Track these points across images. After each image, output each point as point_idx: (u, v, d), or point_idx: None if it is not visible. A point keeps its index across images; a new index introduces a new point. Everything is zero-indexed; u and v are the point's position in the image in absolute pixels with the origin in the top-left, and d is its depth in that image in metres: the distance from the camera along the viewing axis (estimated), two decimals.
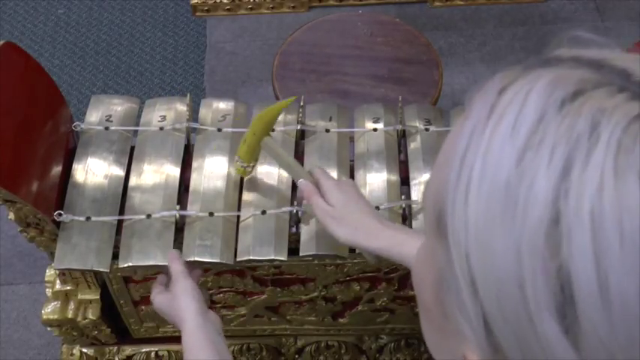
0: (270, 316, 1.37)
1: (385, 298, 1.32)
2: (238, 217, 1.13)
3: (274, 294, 1.30)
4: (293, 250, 1.11)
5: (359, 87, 1.65)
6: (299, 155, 1.20)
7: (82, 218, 1.11)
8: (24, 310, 1.88)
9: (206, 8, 2.44)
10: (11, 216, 1.13)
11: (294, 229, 1.14)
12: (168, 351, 1.46)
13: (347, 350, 1.46)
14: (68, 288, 1.28)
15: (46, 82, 1.19)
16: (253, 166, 1.13)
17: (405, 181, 1.19)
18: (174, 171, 1.17)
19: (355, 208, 0.96)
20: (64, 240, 1.10)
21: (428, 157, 1.19)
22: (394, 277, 1.27)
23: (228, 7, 2.44)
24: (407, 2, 2.46)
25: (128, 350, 1.46)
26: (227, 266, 1.11)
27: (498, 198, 0.37)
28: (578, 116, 0.36)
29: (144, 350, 1.46)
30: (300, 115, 1.24)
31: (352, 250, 1.10)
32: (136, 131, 1.23)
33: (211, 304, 1.30)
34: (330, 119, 1.25)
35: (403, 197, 1.16)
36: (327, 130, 1.23)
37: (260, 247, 1.09)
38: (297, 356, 1.47)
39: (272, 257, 1.09)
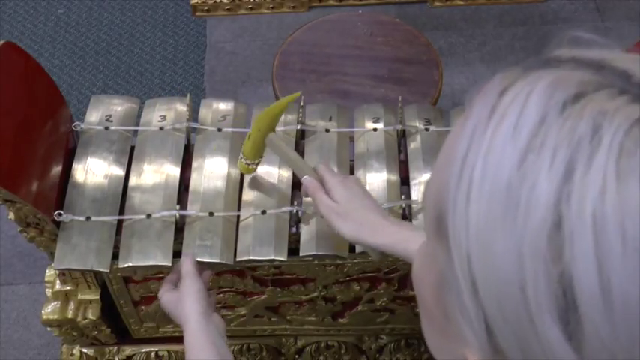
0: (270, 316, 1.37)
1: (385, 298, 1.32)
2: (238, 217, 1.13)
3: (274, 294, 1.30)
4: (293, 250, 1.11)
5: (359, 87, 1.65)
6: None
7: (82, 218, 1.11)
8: (24, 310, 1.88)
9: (206, 8, 2.44)
10: (11, 216, 1.13)
11: (294, 229, 1.14)
12: (168, 351, 1.46)
13: (347, 350, 1.46)
14: (68, 288, 1.28)
15: (46, 82, 1.19)
16: (257, 164, 1.13)
17: (405, 181, 1.19)
18: (174, 171, 1.17)
19: (360, 204, 0.96)
20: (64, 240, 1.10)
21: (428, 157, 1.19)
22: (394, 277, 1.27)
23: (228, 7, 2.44)
24: (407, 2, 2.46)
25: (128, 350, 1.46)
26: (227, 266, 1.11)
27: (500, 199, 0.37)
28: (579, 119, 0.36)
29: (144, 350, 1.46)
30: (300, 115, 1.24)
31: (352, 250, 1.11)
32: (136, 131, 1.23)
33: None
34: (330, 119, 1.25)
35: (403, 197, 1.16)
36: (327, 130, 1.23)
37: (260, 247, 1.09)
38: (297, 356, 1.47)
39: (272, 257, 1.09)
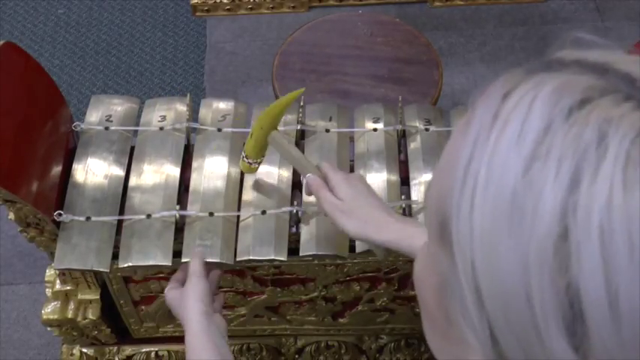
0: (270, 316, 1.37)
1: (385, 298, 1.32)
2: (238, 217, 1.13)
3: (274, 294, 1.30)
4: (293, 250, 1.11)
5: (359, 87, 1.65)
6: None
7: (82, 218, 1.11)
8: (24, 310, 1.88)
9: (206, 8, 2.44)
10: (11, 216, 1.13)
11: (294, 229, 1.14)
12: (168, 351, 1.46)
13: (347, 350, 1.46)
14: (68, 288, 1.28)
15: (46, 82, 1.19)
16: (260, 163, 1.12)
17: (405, 181, 1.19)
18: (174, 171, 1.17)
19: (364, 201, 0.96)
20: (64, 240, 1.10)
21: (428, 157, 1.19)
22: (394, 277, 1.27)
23: (228, 7, 2.44)
24: (407, 2, 2.46)
25: (128, 350, 1.46)
26: (227, 266, 1.11)
27: (505, 207, 0.36)
28: (585, 126, 0.35)
29: (144, 350, 1.46)
30: (300, 115, 1.24)
31: (352, 250, 1.10)
32: (136, 131, 1.23)
33: None
34: (330, 119, 1.25)
35: (403, 197, 1.16)
36: (327, 130, 1.23)
37: (260, 247, 1.09)
38: (297, 356, 1.47)
39: (272, 257, 1.09)
